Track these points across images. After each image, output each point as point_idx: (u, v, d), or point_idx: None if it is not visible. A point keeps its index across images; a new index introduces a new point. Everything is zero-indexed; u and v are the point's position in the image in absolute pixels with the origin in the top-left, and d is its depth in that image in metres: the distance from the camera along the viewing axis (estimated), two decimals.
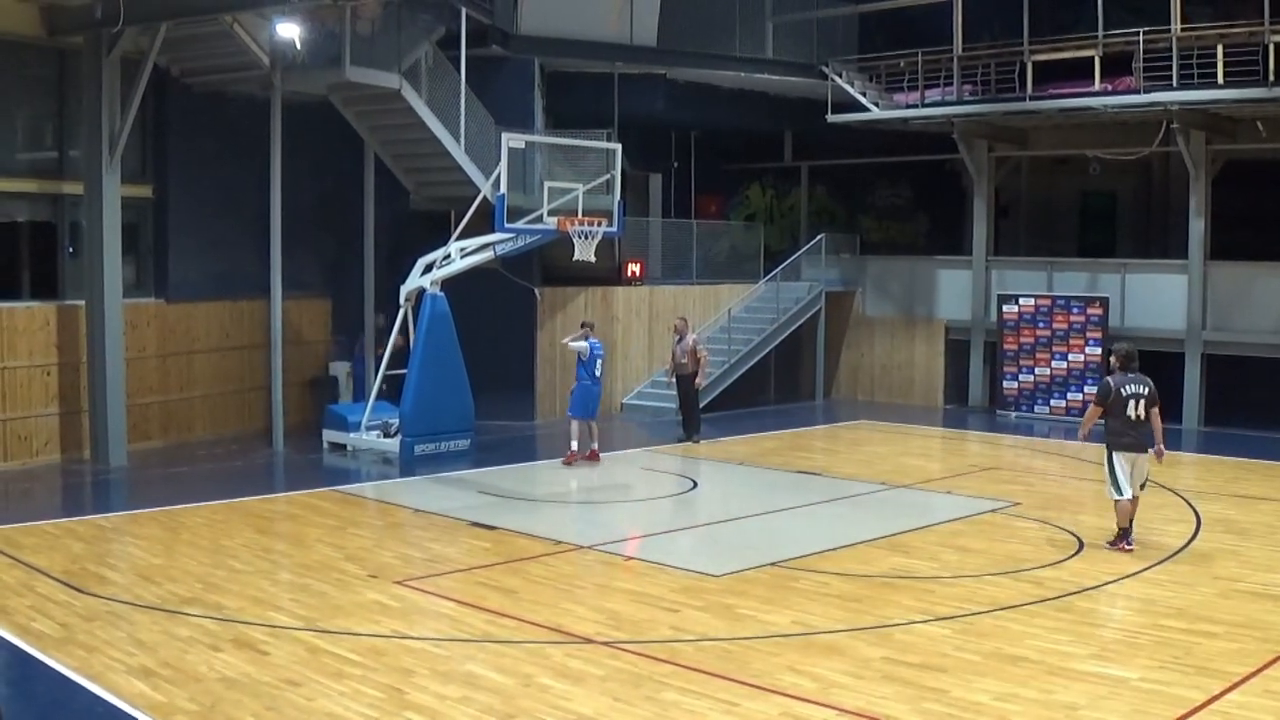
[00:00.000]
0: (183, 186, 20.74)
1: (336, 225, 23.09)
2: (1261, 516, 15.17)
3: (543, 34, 23.65)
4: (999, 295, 25.77)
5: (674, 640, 10.14)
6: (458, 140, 21.39)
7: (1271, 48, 20.47)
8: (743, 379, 25.49)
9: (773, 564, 12.65)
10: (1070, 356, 24.60)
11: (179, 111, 20.59)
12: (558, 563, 12.97)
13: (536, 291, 23.42)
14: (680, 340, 21.59)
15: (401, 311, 19.80)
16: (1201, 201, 23.25)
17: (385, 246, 23.10)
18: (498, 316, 22.70)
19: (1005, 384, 25.44)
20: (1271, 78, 20.49)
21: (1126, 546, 12.96)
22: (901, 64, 25.45)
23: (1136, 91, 22.15)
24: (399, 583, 11.90)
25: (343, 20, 19.41)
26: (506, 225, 18.23)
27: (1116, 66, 22.50)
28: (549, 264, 23.65)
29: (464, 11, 20.77)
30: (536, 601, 11.29)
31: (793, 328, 26.90)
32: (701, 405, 22.29)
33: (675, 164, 28.87)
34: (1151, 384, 13.19)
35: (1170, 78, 21.62)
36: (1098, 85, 22.70)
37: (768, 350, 26.32)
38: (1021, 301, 25.27)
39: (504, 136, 18.29)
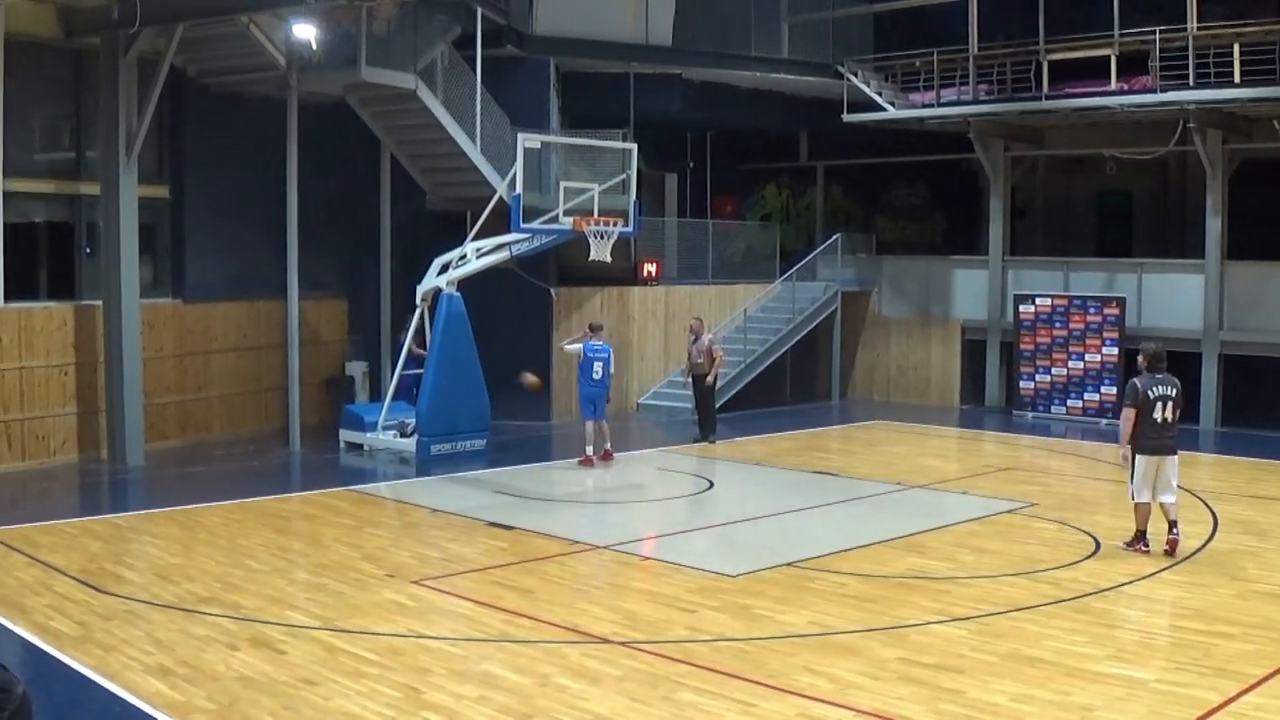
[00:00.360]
0: (199, 187, 20.80)
1: (353, 225, 23.13)
2: (1279, 518, 15.11)
3: (558, 34, 23.67)
4: (1015, 295, 25.71)
5: (690, 640, 10.14)
6: (473, 140, 21.43)
7: None
8: (759, 379, 25.48)
9: (789, 564, 12.64)
10: (1087, 357, 24.53)
11: (195, 112, 20.65)
12: (574, 563, 12.99)
13: (552, 291, 23.44)
14: (695, 340, 21.59)
15: (418, 312, 19.85)
16: (1218, 201, 23.18)
17: (401, 246, 23.15)
18: (514, 316, 22.72)
19: (1022, 384, 25.38)
20: None
21: (1143, 548, 12.91)
22: (917, 63, 25.43)
23: (1152, 91, 22.09)
24: (416, 582, 11.92)
25: (359, 21, 19.45)
26: (522, 225, 18.26)
27: (1132, 66, 22.45)
28: (565, 264, 23.67)
29: (479, 12, 20.81)
30: (553, 601, 11.30)
31: (808, 328, 26.88)
32: (717, 405, 22.28)
33: (691, 164, 28.88)
34: (1179, 385, 13.03)
35: (1186, 77, 21.56)
36: (1114, 84, 22.66)
37: (783, 350, 26.30)
38: (1038, 301, 25.21)
39: (520, 137, 18.33)
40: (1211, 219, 23.30)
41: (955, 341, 27.05)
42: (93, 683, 8.97)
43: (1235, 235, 23.47)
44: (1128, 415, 12.84)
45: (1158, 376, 12.89)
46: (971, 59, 24.44)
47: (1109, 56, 22.60)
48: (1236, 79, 21.13)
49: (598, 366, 18.87)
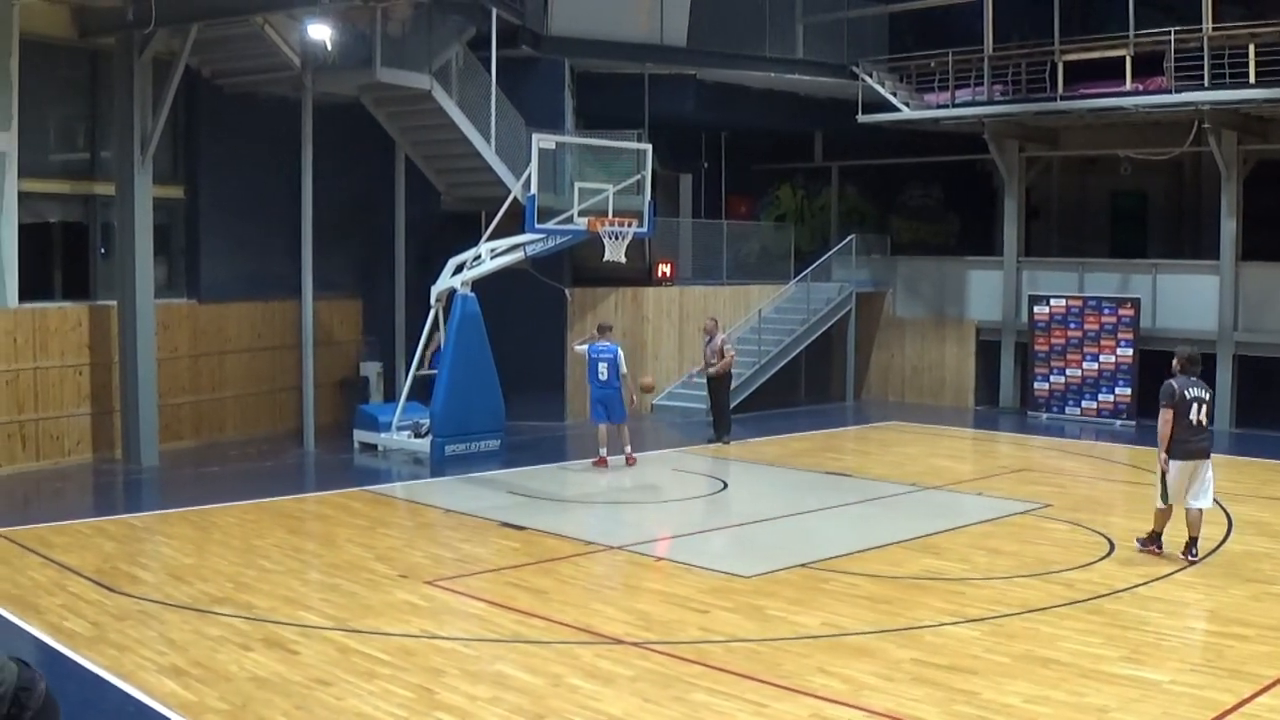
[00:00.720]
0: (214, 187, 20.84)
1: (367, 226, 23.16)
2: None
3: (573, 35, 23.67)
4: (1030, 296, 25.64)
5: (703, 641, 10.13)
6: (488, 141, 21.43)
7: None
8: (773, 380, 25.45)
9: (802, 565, 12.63)
10: (1101, 358, 24.45)
11: (210, 113, 20.69)
12: (587, 563, 12.99)
13: (567, 292, 23.43)
14: (710, 340, 21.58)
15: (432, 312, 19.86)
16: (1233, 202, 23.09)
17: (416, 247, 23.17)
18: (528, 317, 22.72)
19: (1036, 385, 25.31)
20: None
21: (1155, 550, 12.86)
22: (932, 64, 25.38)
23: (1168, 91, 22.01)
24: (429, 583, 11.93)
25: (373, 21, 19.47)
26: (537, 226, 18.24)
27: (1147, 66, 22.36)
28: (579, 264, 23.65)
29: (494, 12, 20.80)
30: (566, 602, 11.30)
31: (823, 328, 26.84)
32: (732, 406, 22.27)
33: (705, 164, 28.87)
34: (1210, 390, 12.96)
35: (1201, 77, 21.48)
36: (1129, 85, 22.57)
37: (798, 351, 26.22)
38: (1052, 302, 25.14)
39: (534, 137, 18.31)
40: (1226, 220, 23.21)
41: (970, 342, 26.99)
42: (106, 683, 8.99)
43: (1250, 236, 23.38)
44: (1165, 417, 12.47)
45: (1192, 379, 12.76)
46: (986, 59, 24.39)
47: (1124, 57, 22.53)
48: (1252, 79, 21.04)
49: (602, 367, 18.79)
